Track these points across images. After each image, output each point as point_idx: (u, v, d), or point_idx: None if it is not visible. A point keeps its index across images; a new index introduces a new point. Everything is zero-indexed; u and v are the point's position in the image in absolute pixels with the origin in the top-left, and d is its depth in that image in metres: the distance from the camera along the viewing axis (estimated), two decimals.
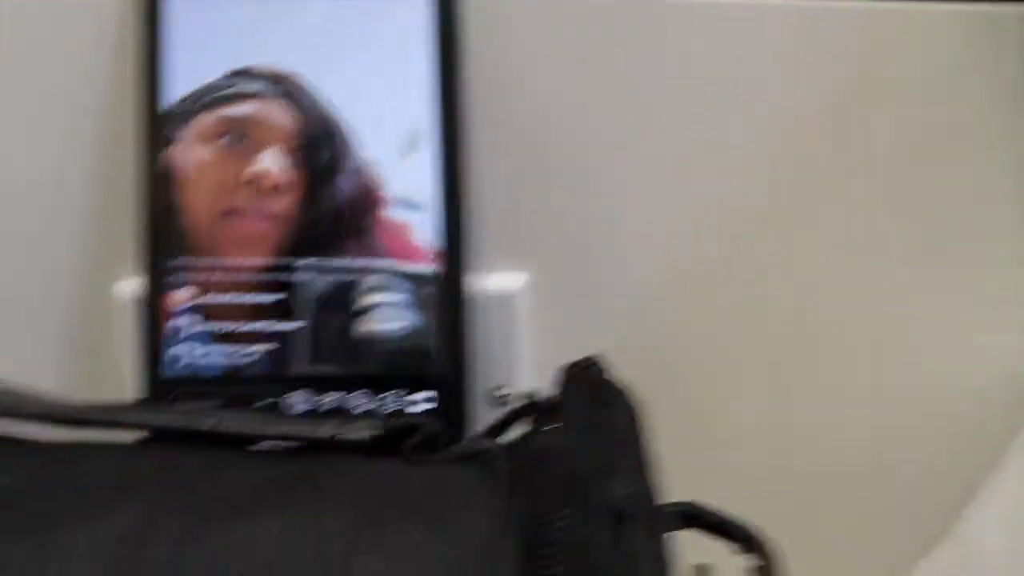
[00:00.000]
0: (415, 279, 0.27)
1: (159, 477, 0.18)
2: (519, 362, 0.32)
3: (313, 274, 0.27)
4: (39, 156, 0.30)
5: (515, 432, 0.23)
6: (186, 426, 0.20)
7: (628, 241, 0.32)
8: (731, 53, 0.30)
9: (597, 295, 0.32)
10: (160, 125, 0.27)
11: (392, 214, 0.27)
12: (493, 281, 0.31)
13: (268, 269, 0.27)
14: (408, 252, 0.27)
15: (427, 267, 0.27)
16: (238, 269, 0.27)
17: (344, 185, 0.27)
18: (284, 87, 0.27)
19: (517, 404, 0.23)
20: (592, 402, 0.22)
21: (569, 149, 0.31)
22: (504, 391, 0.32)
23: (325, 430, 0.20)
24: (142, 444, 0.20)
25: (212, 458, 0.19)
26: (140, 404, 0.22)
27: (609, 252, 0.32)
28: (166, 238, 0.27)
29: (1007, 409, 0.33)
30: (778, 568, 0.20)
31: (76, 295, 0.31)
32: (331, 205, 0.27)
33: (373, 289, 0.27)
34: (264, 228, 0.27)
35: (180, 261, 0.27)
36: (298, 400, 0.26)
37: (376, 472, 0.19)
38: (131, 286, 0.30)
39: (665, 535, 0.17)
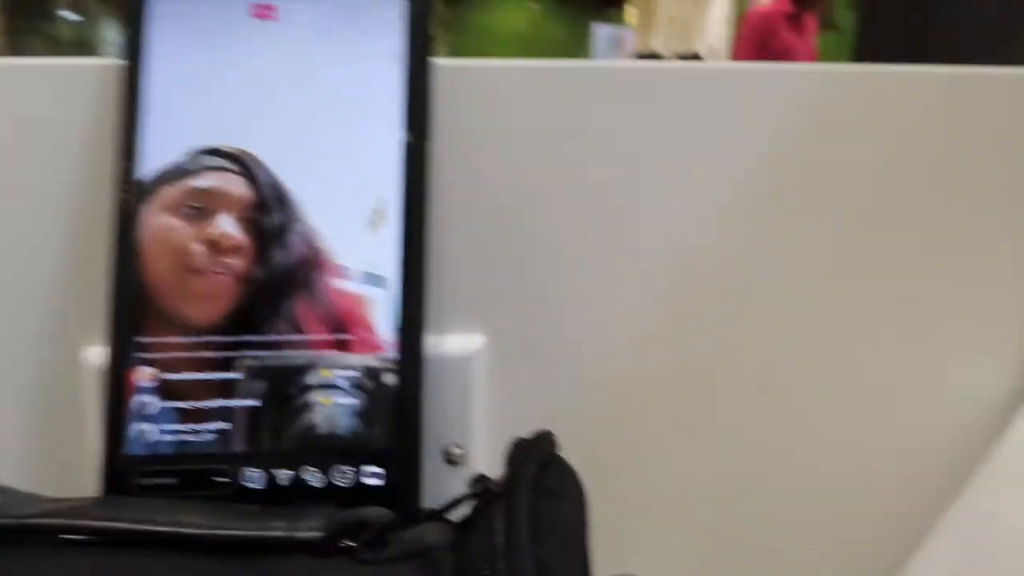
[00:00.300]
0: (364, 365, 0.28)
1: None
2: (474, 421, 0.33)
3: (266, 353, 0.27)
4: (13, 223, 0.30)
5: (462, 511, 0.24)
6: (142, 529, 0.20)
7: (585, 303, 0.33)
8: (683, 115, 0.32)
9: (552, 356, 0.33)
10: (130, 199, 0.28)
11: (346, 284, 0.28)
12: (450, 342, 0.32)
13: (224, 347, 0.27)
14: (359, 320, 0.28)
15: (376, 354, 0.28)
16: (196, 347, 0.27)
17: (293, 248, 0.28)
18: (242, 163, 0.28)
19: (468, 488, 0.24)
20: (540, 488, 0.23)
21: (527, 212, 0.32)
22: (458, 451, 0.32)
23: (276, 530, 0.21)
24: (89, 548, 0.20)
25: (171, 568, 0.19)
26: (93, 503, 0.22)
27: (565, 313, 0.33)
28: (131, 312, 0.27)
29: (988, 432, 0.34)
30: None
31: (44, 360, 0.31)
32: (281, 264, 0.28)
33: (324, 367, 0.28)
34: (222, 285, 0.28)
35: (142, 338, 0.27)
36: (251, 477, 0.27)
37: None
38: (99, 353, 0.30)
39: None
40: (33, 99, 0.30)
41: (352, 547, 0.21)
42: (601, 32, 3.75)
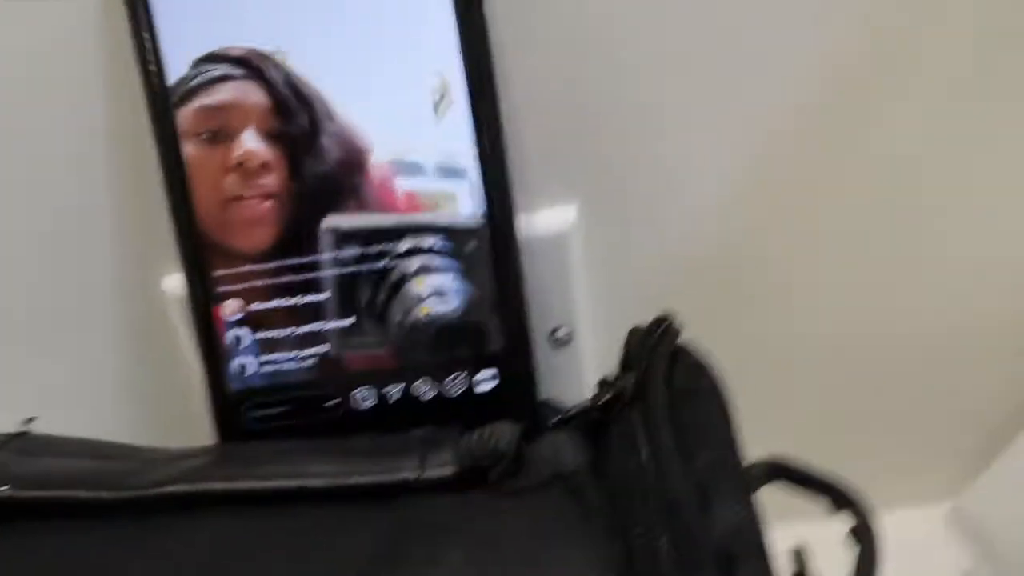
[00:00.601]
0: (455, 236, 0.25)
1: (254, 558, 0.18)
2: (575, 300, 0.30)
3: (353, 262, 0.25)
4: (73, 156, 0.28)
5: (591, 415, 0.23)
6: (267, 489, 0.20)
7: (679, 163, 0.29)
8: None
9: (649, 224, 0.30)
10: (163, 118, 0.25)
11: (416, 181, 0.25)
12: (542, 219, 0.29)
13: (307, 267, 0.25)
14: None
15: (466, 222, 0.25)
16: (272, 272, 0.25)
17: (329, 150, 0.25)
18: (249, 65, 0.25)
19: (596, 395, 0.22)
20: (674, 388, 0.21)
21: (611, 71, 0.28)
22: (564, 331, 0.31)
23: (407, 471, 0.20)
24: (218, 508, 0.20)
25: (298, 524, 0.19)
26: (214, 460, 0.21)
27: (659, 176, 0.30)
28: (198, 247, 0.25)
29: None
30: (872, 526, 0.20)
31: (125, 293, 0.30)
32: (319, 171, 0.25)
33: (415, 256, 0.25)
34: (264, 207, 0.25)
35: (216, 271, 0.25)
36: (361, 396, 0.26)
37: (472, 523, 0.18)
38: (178, 281, 0.29)
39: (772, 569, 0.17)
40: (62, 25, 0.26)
41: (487, 478, 0.20)
42: None
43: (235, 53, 0.25)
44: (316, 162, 0.25)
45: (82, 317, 0.31)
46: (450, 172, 0.25)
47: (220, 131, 0.25)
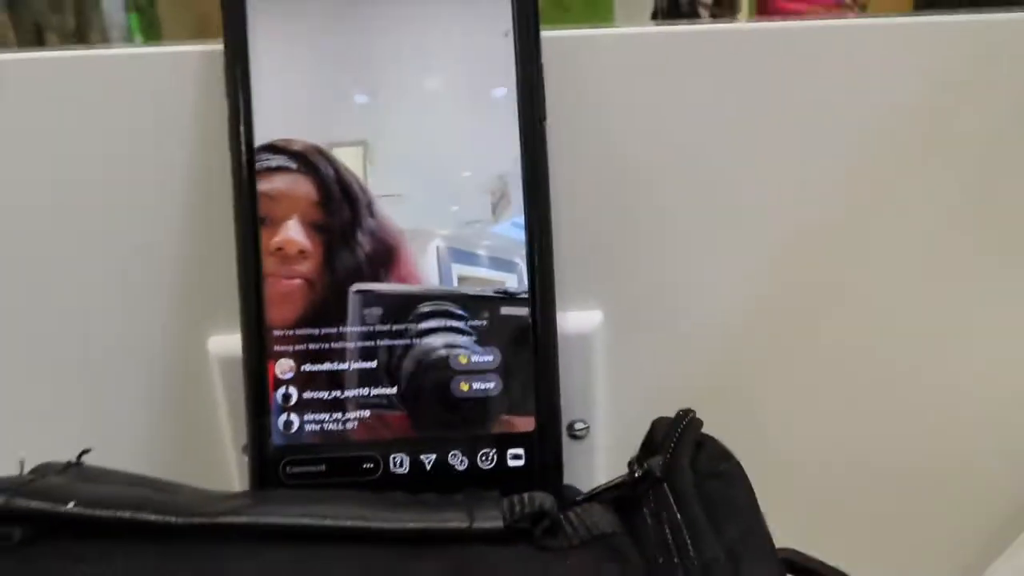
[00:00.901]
0: (499, 321, 0.28)
1: None
2: (595, 397, 0.33)
3: (395, 336, 0.28)
4: (133, 214, 0.31)
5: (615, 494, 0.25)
6: (325, 526, 0.21)
7: (700, 275, 0.33)
8: (803, 79, 0.31)
9: (670, 329, 0.33)
10: (247, 175, 0.27)
11: (477, 271, 0.28)
12: (569, 320, 0.32)
13: (361, 336, 0.28)
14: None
15: (512, 308, 0.28)
16: (332, 338, 0.27)
17: (363, 245, 0.28)
18: (304, 160, 0.28)
19: (627, 473, 0.24)
20: (699, 471, 0.23)
21: (642, 185, 0.31)
22: (582, 426, 0.33)
23: (454, 521, 0.21)
24: (289, 552, 0.21)
25: (361, 564, 0.20)
26: (255, 498, 0.22)
27: (681, 287, 0.33)
28: (259, 306, 0.27)
29: None
30: None
31: (171, 349, 0.32)
32: (351, 264, 0.28)
33: (458, 335, 0.28)
34: (294, 285, 0.28)
35: (276, 331, 0.27)
36: (398, 462, 0.27)
37: (524, 570, 0.20)
38: (224, 342, 0.31)
39: None
40: (143, 87, 0.29)
41: (531, 534, 0.21)
42: None
43: (295, 147, 0.28)
44: (349, 251, 0.28)
45: (128, 366, 0.32)
46: (501, 264, 0.28)
47: (267, 217, 0.28)
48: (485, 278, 0.28)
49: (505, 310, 0.28)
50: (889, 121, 0.31)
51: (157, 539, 0.21)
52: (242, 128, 0.27)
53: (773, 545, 0.20)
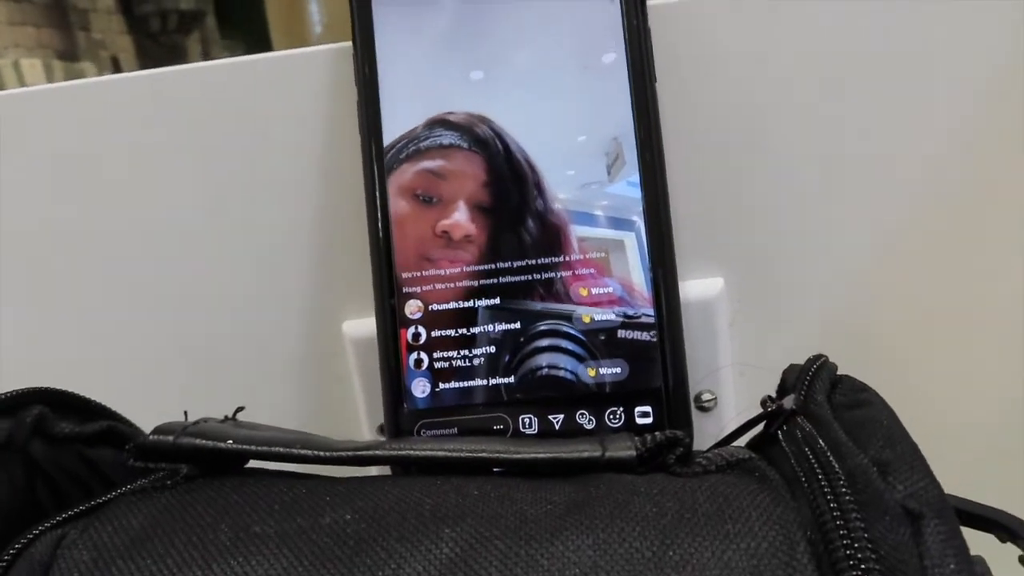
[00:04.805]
0: (625, 312, 0.28)
1: (464, 505, 0.19)
2: (721, 365, 0.32)
3: (531, 305, 0.28)
4: (267, 200, 0.33)
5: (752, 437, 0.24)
6: (470, 456, 0.21)
7: (823, 240, 0.32)
8: (926, 37, 0.30)
9: (790, 296, 0.33)
10: (377, 173, 0.29)
11: (594, 232, 0.29)
12: (691, 287, 0.32)
13: (486, 294, 0.28)
14: (607, 270, 0.28)
15: (634, 298, 0.28)
16: (456, 314, 0.29)
17: (531, 226, 0.28)
18: (476, 136, 0.29)
19: (764, 409, 0.23)
20: (836, 404, 0.22)
21: (763, 144, 0.31)
22: (709, 396, 0.32)
23: (588, 451, 0.22)
24: (427, 477, 0.22)
25: (500, 486, 0.20)
26: (393, 439, 0.23)
27: (802, 252, 0.32)
28: (389, 281, 0.29)
29: None
30: None
31: (308, 333, 0.34)
32: (519, 245, 0.28)
33: (586, 315, 0.28)
34: (458, 285, 0.29)
35: (406, 303, 0.29)
36: (527, 423, 0.28)
37: (657, 489, 0.20)
38: (358, 325, 0.33)
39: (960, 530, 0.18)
40: (268, 91, 0.32)
41: (665, 464, 0.21)
42: None
43: (462, 120, 0.29)
44: (515, 239, 0.28)
45: (265, 349, 0.34)
46: (620, 223, 0.29)
47: (436, 196, 0.29)
48: (604, 237, 0.28)
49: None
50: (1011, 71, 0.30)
51: (305, 474, 0.22)
52: (370, 113, 0.29)
53: (922, 455, 0.19)
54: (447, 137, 0.29)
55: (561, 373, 0.28)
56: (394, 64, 0.29)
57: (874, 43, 0.30)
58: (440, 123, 0.29)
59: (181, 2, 2.19)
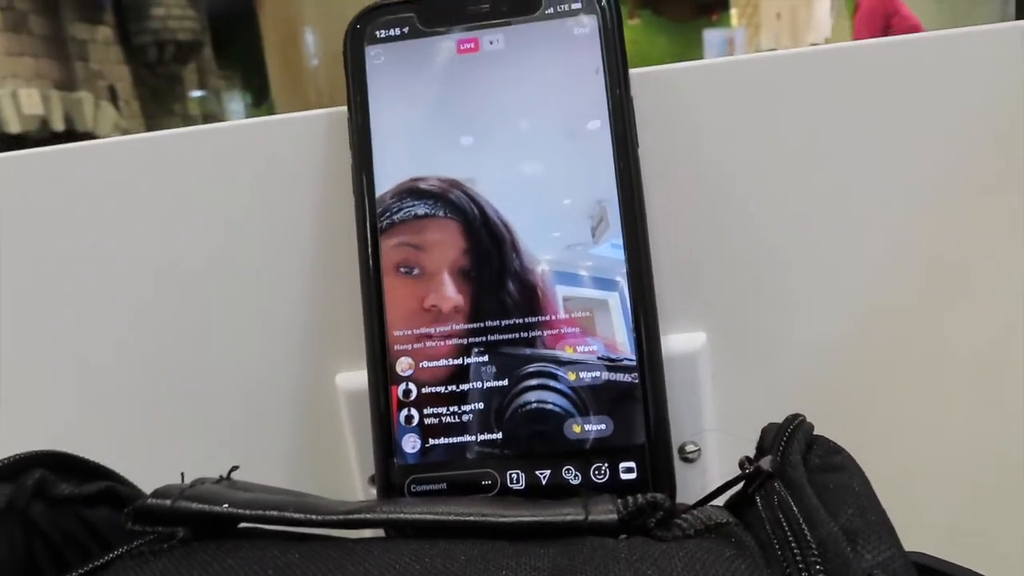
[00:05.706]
0: (609, 368, 0.29)
1: (451, 571, 0.20)
2: (704, 419, 0.33)
3: (518, 363, 0.29)
4: (264, 257, 0.34)
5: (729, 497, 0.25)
6: (458, 520, 0.22)
7: (802, 296, 0.33)
8: (895, 95, 0.31)
9: (773, 351, 0.34)
10: (370, 236, 0.30)
11: (578, 292, 0.29)
12: (674, 341, 0.33)
13: (474, 364, 0.29)
14: (590, 328, 0.29)
15: (617, 355, 0.29)
16: (445, 375, 0.29)
17: (511, 287, 0.29)
18: (450, 201, 0.30)
19: (742, 470, 0.24)
20: (812, 467, 0.23)
21: (742, 206, 0.32)
22: (693, 448, 0.33)
23: (570, 515, 0.22)
24: (417, 541, 0.22)
25: (488, 551, 0.21)
26: (383, 502, 0.24)
27: (784, 306, 0.33)
28: (381, 339, 0.30)
29: None
30: None
31: (302, 387, 0.35)
32: (500, 308, 0.29)
33: (572, 373, 0.29)
34: (447, 343, 0.30)
35: (397, 360, 0.30)
36: (515, 478, 0.29)
37: (637, 556, 0.20)
38: (351, 378, 0.33)
39: None
40: (268, 152, 0.33)
41: (646, 527, 0.22)
42: (711, 37, 3.73)
43: (434, 188, 0.30)
44: (498, 300, 0.29)
45: (259, 401, 0.35)
46: (604, 283, 0.29)
47: (419, 268, 0.30)
48: (588, 297, 0.29)
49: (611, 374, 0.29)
50: (991, 128, 0.31)
51: (298, 535, 0.23)
52: (364, 175, 0.30)
53: (891, 524, 0.20)
54: (420, 207, 0.30)
55: (547, 429, 0.29)
56: (387, 128, 0.31)
57: (846, 111, 0.31)
58: (410, 192, 0.30)
59: (179, 33, 2.22)
